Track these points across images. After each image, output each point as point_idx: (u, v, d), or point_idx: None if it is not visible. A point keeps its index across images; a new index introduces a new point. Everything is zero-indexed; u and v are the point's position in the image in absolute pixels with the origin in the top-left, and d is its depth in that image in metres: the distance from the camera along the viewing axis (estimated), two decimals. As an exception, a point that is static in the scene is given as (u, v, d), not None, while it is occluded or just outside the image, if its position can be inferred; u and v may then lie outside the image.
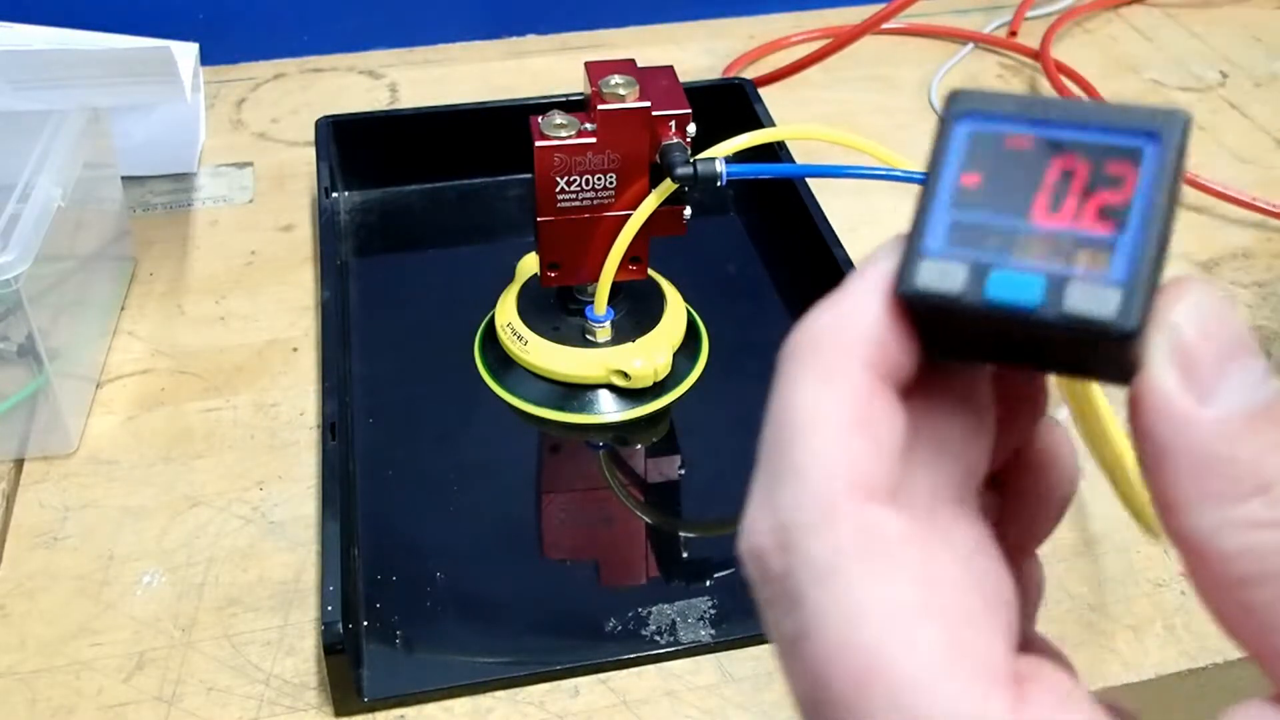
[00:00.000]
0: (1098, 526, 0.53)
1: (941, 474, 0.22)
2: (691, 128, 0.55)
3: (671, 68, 0.57)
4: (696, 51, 0.90)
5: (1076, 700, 0.20)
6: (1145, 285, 0.20)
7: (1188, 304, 0.20)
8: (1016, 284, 0.21)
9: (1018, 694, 0.19)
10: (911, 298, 0.21)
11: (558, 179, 0.55)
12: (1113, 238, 0.21)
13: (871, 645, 0.19)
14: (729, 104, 0.76)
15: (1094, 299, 0.20)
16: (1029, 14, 0.92)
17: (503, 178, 0.75)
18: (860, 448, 0.20)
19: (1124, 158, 0.21)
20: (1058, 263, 0.21)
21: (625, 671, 0.48)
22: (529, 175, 0.55)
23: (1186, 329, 0.20)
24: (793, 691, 0.20)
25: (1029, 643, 0.24)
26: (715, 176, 0.52)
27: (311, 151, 0.73)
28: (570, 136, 0.54)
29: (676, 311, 0.61)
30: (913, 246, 0.22)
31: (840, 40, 0.80)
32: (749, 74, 0.84)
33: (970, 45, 0.90)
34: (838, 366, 0.21)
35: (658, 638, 0.49)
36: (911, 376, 0.22)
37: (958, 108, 0.22)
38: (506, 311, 0.61)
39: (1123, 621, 0.49)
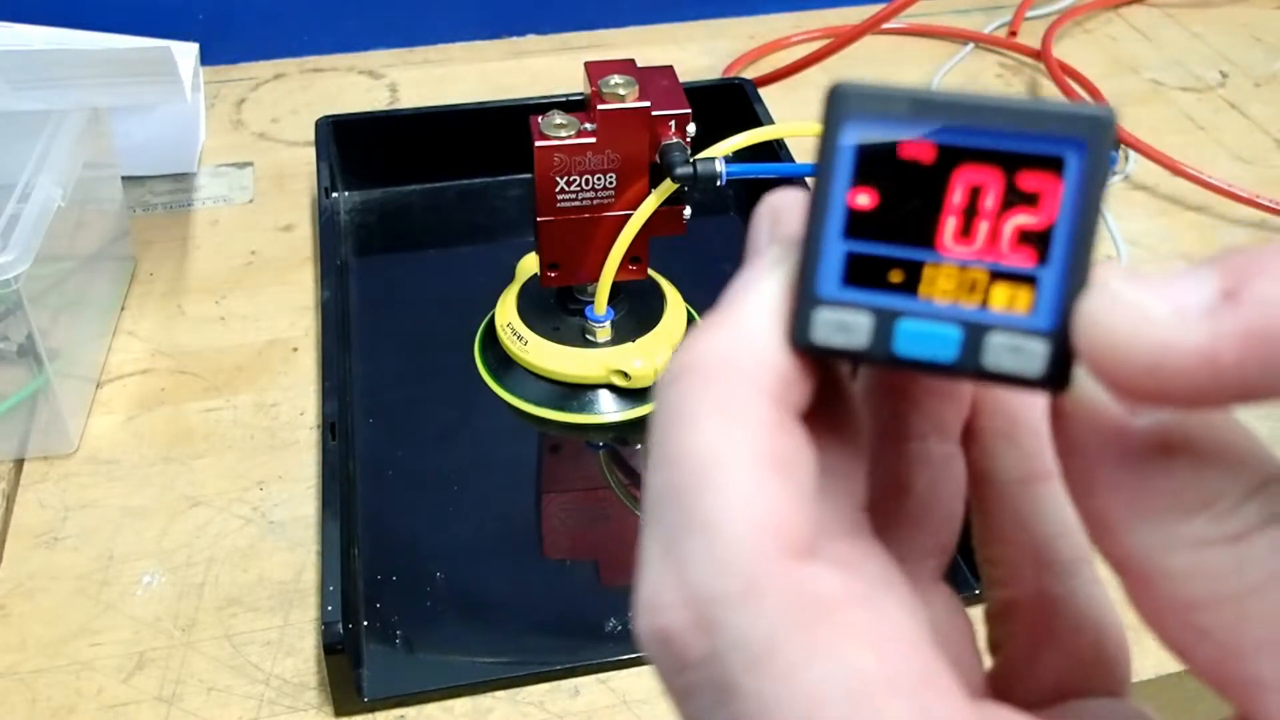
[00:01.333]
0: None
1: (834, 505, 0.20)
2: (691, 128, 0.55)
3: (671, 68, 0.57)
4: (696, 51, 0.90)
5: None
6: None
7: None
8: (928, 338, 0.18)
9: None
10: (808, 350, 0.18)
11: (558, 179, 0.55)
12: (1034, 271, 0.18)
13: None
14: (729, 104, 0.76)
15: (1017, 353, 0.18)
16: (1029, 14, 0.92)
17: (503, 178, 0.75)
18: (778, 494, 0.17)
19: (1042, 168, 0.17)
20: (973, 303, 0.18)
21: (625, 671, 0.48)
22: (529, 175, 0.55)
23: None
24: None
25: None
26: (715, 176, 0.52)
27: (311, 151, 0.73)
28: (570, 136, 0.54)
29: (676, 311, 0.61)
30: (805, 288, 0.18)
31: (840, 40, 0.80)
32: (749, 74, 0.84)
33: (970, 45, 0.90)
34: (739, 398, 0.18)
35: (658, 638, 0.49)
36: (809, 406, 0.19)
37: (841, 109, 0.18)
38: (506, 311, 0.61)
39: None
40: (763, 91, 0.78)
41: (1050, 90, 0.82)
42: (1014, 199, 0.18)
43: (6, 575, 0.52)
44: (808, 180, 0.68)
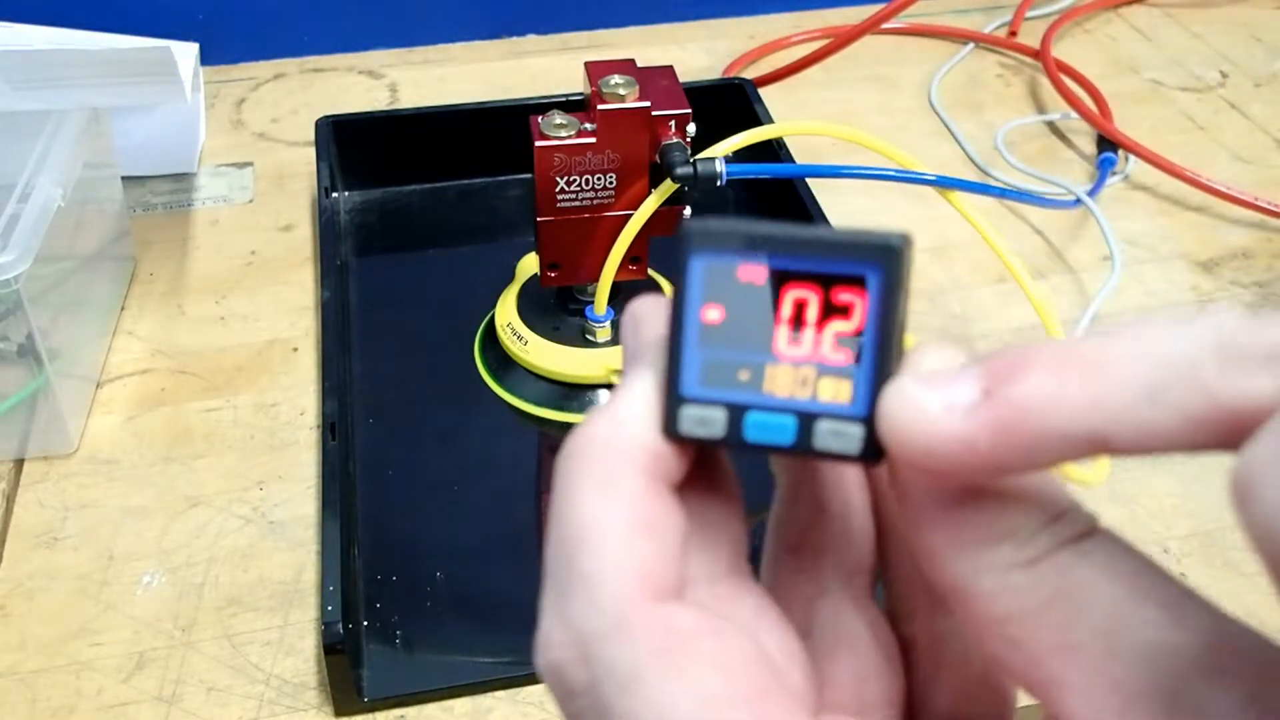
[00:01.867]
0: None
1: (713, 553, 0.23)
2: (691, 128, 0.55)
3: (671, 68, 0.57)
4: (696, 51, 0.90)
5: None
6: None
7: (917, 368, 0.21)
8: (771, 426, 0.22)
9: None
10: (677, 439, 0.22)
11: (558, 179, 0.55)
12: (850, 368, 0.21)
13: None
14: (729, 104, 0.76)
15: (840, 436, 0.21)
16: (1029, 14, 0.92)
17: (503, 178, 0.75)
18: (645, 550, 0.21)
19: (850, 284, 0.21)
20: (804, 395, 0.22)
21: (625, 671, 0.48)
22: (529, 175, 0.55)
23: None
24: None
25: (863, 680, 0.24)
26: (715, 176, 0.52)
27: (311, 151, 0.73)
28: (570, 136, 0.54)
29: (676, 311, 0.61)
30: (671, 389, 0.22)
31: (840, 40, 0.80)
32: (749, 74, 0.84)
33: (970, 45, 0.90)
34: (615, 473, 0.22)
35: (658, 638, 0.49)
36: (684, 476, 0.23)
37: (690, 243, 0.22)
38: (506, 311, 0.61)
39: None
40: (763, 91, 0.78)
41: (1048, 91, 0.82)
42: (831, 310, 0.22)
43: (6, 575, 0.52)
44: (802, 184, 0.68)
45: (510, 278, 0.64)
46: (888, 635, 0.24)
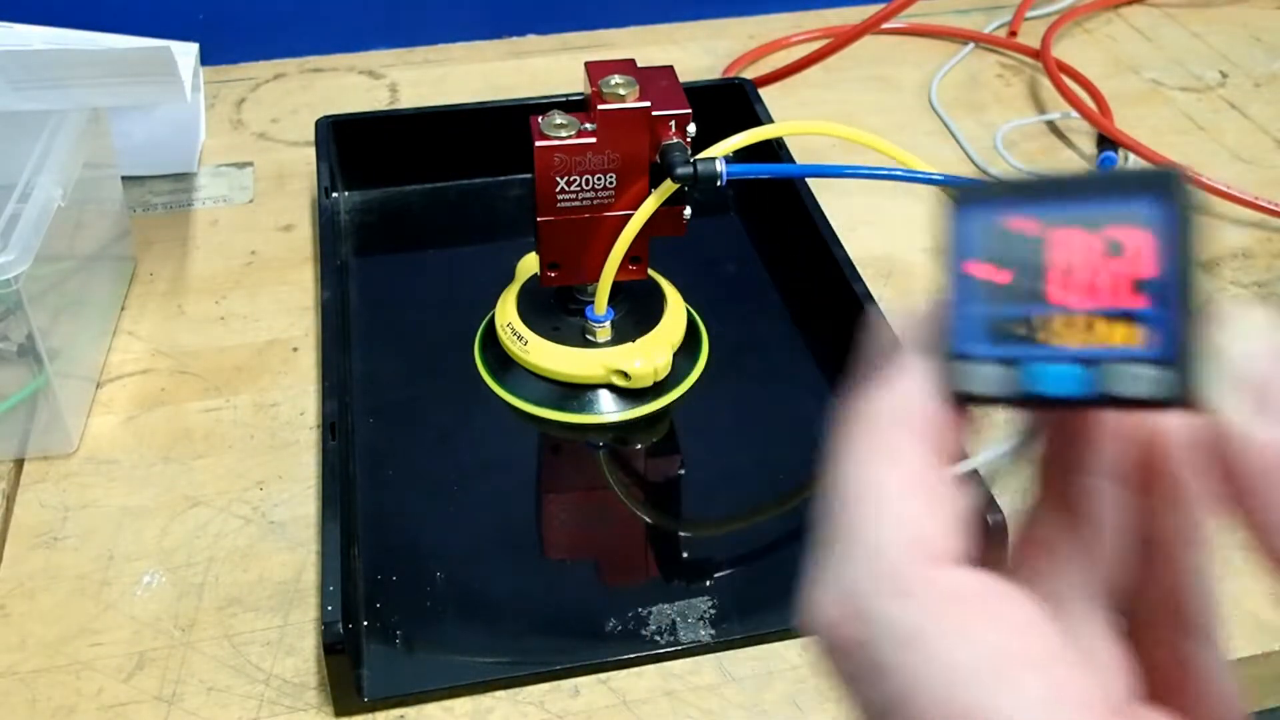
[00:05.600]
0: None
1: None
2: (691, 128, 0.55)
3: (671, 68, 0.57)
4: (696, 51, 0.90)
5: None
6: (1195, 353, 0.20)
7: (1240, 333, 0.20)
8: (1056, 377, 0.21)
9: None
10: (959, 399, 0.22)
11: (558, 179, 0.55)
12: (1142, 311, 0.20)
13: (976, 702, 0.19)
14: (729, 104, 0.76)
15: (1139, 380, 0.20)
16: (1029, 14, 0.92)
17: (503, 178, 0.75)
18: (924, 515, 0.21)
19: (1129, 224, 0.20)
20: (1090, 344, 0.21)
21: (625, 671, 0.48)
22: (529, 175, 0.55)
23: (1246, 361, 0.20)
24: None
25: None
26: (715, 176, 0.52)
27: (311, 151, 0.73)
28: (570, 136, 0.54)
29: (676, 311, 0.61)
30: (948, 348, 0.22)
31: (840, 40, 0.80)
32: (749, 74, 0.84)
33: (970, 45, 0.90)
34: (895, 442, 0.22)
35: (658, 638, 0.49)
36: (960, 450, 0.23)
37: (957, 202, 0.22)
38: (506, 311, 0.61)
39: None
40: (763, 91, 0.78)
41: (1048, 91, 0.82)
42: (1111, 251, 0.21)
43: (6, 575, 0.52)
44: (802, 184, 0.68)
45: (510, 278, 0.64)
46: (1123, 657, 0.23)
